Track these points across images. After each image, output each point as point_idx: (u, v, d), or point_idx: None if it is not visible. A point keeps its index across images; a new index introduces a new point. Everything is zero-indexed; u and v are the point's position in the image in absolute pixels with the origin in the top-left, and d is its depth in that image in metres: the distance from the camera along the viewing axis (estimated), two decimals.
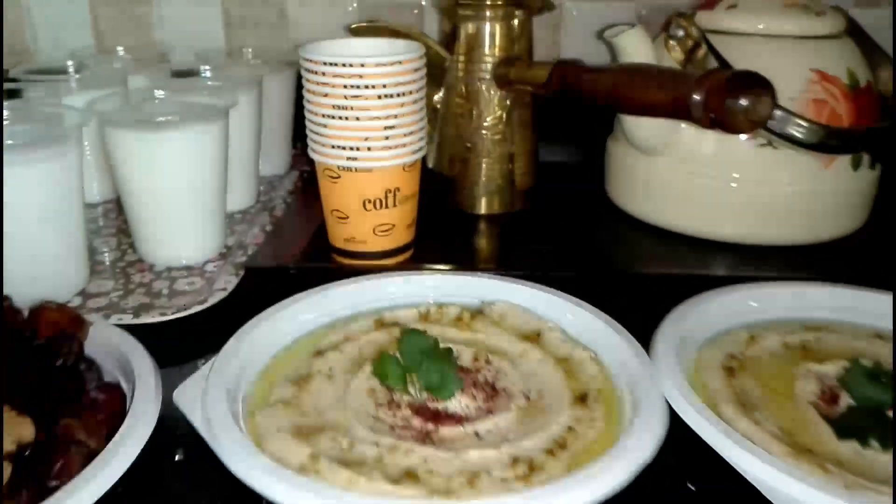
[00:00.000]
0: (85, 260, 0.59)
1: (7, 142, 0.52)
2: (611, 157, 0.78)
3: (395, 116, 0.59)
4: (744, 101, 0.49)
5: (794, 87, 0.64)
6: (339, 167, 0.60)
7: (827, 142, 0.62)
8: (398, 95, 0.59)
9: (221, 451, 0.39)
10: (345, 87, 0.57)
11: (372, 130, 0.59)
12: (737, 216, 0.68)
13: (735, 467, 0.38)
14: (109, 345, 0.48)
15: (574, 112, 0.77)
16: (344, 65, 0.57)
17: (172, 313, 0.54)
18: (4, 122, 0.57)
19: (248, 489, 0.36)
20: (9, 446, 0.38)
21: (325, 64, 0.57)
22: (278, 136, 0.83)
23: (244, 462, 0.37)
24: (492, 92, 0.72)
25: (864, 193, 0.69)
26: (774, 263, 0.67)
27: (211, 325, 0.54)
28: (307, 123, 0.62)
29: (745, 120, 0.47)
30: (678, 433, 0.41)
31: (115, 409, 0.42)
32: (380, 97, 0.58)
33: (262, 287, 0.58)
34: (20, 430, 0.39)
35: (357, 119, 0.58)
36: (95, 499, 0.35)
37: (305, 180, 0.83)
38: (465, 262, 0.68)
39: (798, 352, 0.51)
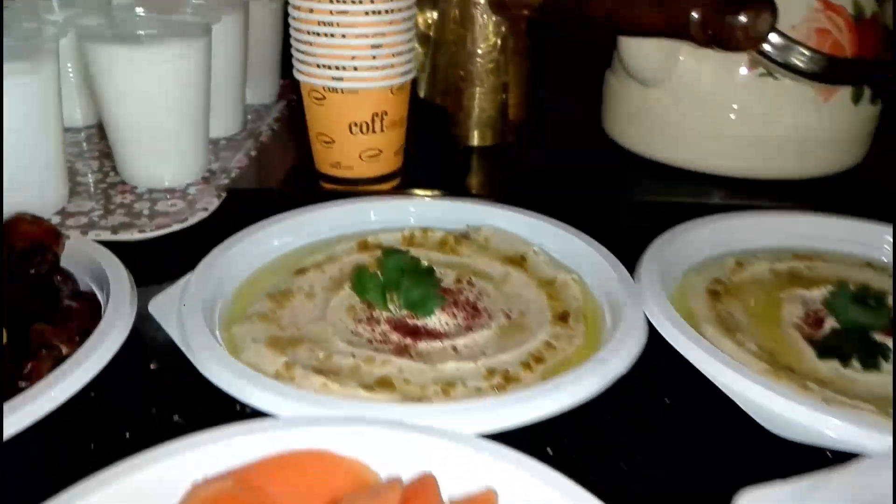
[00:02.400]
0: (64, 178, 0.58)
1: None
2: (609, 91, 0.76)
3: (384, 35, 0.57)
4: (743, 18, 0.47)
5: (797, 15, 0.62)
6: (324, 88, 0.59)
7: (828, 72, 0.60)
8: (387, 13, 0.56)
9: (195, 358, 0.38)
10: (331, 1, 0.55)
11: (358, 49, 0.57)
12: (734, 149, 0.66)
13: (714, 382, 0.38)
14: (86, 258, 0.47)
15: (577, 47, 0.76)
16: None
17: (151, 231, 0.53)
18: None
19: (221, 394, 0.36)
20: None
21: None
22: (266, 64, 0.81)
23: (217, 368, 0.37)
24: (486, 18, 0.70)
25: (863, 129, 0.67)
26: (770, 196, 0.65)
27: (190, 244, 0.53)
28: (292, 42, 0.60)
29: (743, 37, 0.45)
30: (659, 352, 0.41)
31: (88, 317, 0.41)
32: (367, 13, 0.56)
33: (244, 208, 0.57)
34: None
35: (343, 37, 0.57)
36: (65, 398, 0.35)
37: (293, 109, 0.81)
38: (452, 190, 0.67)
39: (786, 278, 0.50)
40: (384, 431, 0.31)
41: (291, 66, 0.60)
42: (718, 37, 0.46)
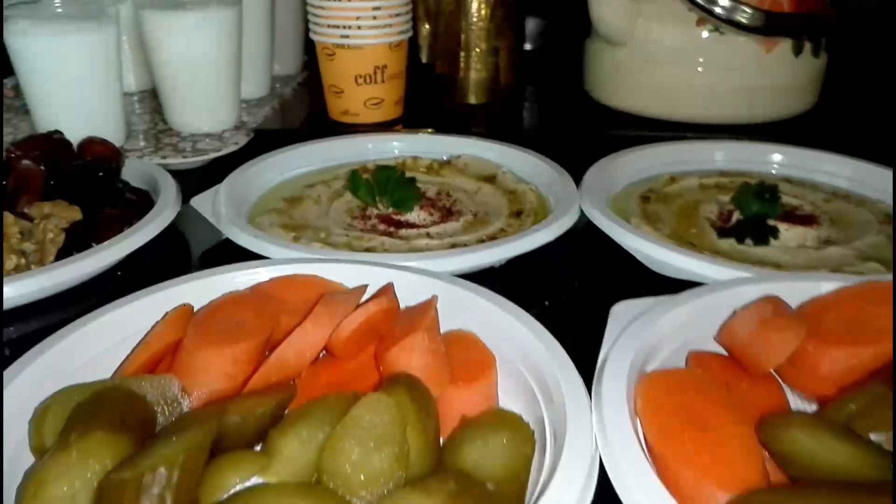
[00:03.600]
0: (122, 121, 0.70)
1: (58, 9, 0.63)
2: (587, 55, 0.86)
3: None
4: None
5: None
6: (333, 45, 0.70)
7: (765, 26, 0.70)
8: None
9: (225, 228, 0.50)
10: None
11: (362, 11, 0.69)
12: (690, 98, 0.76)
13: (621, 245, 0.48)
14: (141, 173, 0.59)
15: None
16: None
17: (192, 157, 0.65)
18: (56, 3, 0.68)
19: (244, 253, 0.47)
20: (63, 224, 0.50)
21: None
22: (291, 38, 0.93)
23: (242, 234, 0.48)
24: None
25: (806, 78, 0.76)
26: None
27: (224, 168, 0.64)
28: (308, 7, 0.72)
29: None
30: (588, 234, 0.51)
31: (144, 206, 0.53)
32: None
33: (268, 144, 0.68)
34: (71, 213, 0.51)
35: (349, 0, 0.68)
36: (126, 253, 0.47)
37: (314, 76, 0.93)
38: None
39: (711, 189, 0.60)
40: (358, 265, 0.42)
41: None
42: None
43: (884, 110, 0.82)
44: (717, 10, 0.71)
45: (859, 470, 0.29)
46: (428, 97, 0.85)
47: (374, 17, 0.69)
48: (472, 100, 0.86)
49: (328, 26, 0.70)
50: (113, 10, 0.66)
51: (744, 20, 0.70)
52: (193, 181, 0.63)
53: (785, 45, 0.73)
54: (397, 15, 0.70)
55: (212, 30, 0.70)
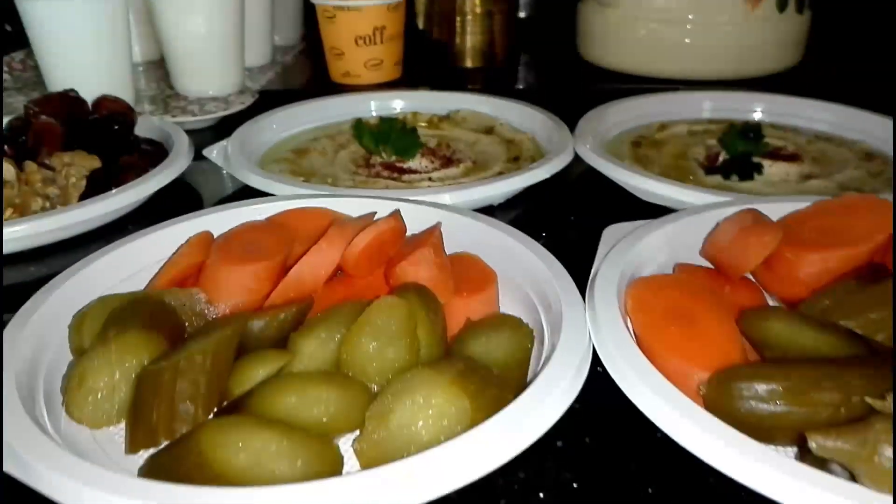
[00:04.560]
0: (130, 85, 0.73)
1: None
2: (579, 18, 0.89)
3: None
4: None
5: None
6: (333, 6, 0.73)
7: None
8: None
9: (238, 172, 0.52)
10: None
11: None
12: (679, 55, 0.78)
13: (609, 178, 0.51)
14: (154, 129, 0.61)
15: None
16: None
17: (202, 115, 0.68)
18: None
19: (255, 191, 0.50)
20: (84, 171, 0.52)
21: None
22: (289, 9, 0.96)
23: (254, 176, 0.51)
24: None
25: (791, 35, 0.79)
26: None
27: (232, 125, 0.67)
28: None
29: None
30: (583, 174, 0.54)
31: (159, 156, 0.56)
32: None
33: (273, 103, 0.71)
34: (91, 162, 0.53)
35: None
36: (147, 194, 0.50)
37: (313, 45, 0.95)
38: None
39: (700, 135, 0.62)
40: (365, 199, 0.45)
41: (313, 17, 0.74)
42: None
43: (875, 59, 0.85)
44: None
45: (830, 350, 0.32)
46: (425, 61, 0.87)
47: None
48: (468, 63, 0.88)
49: None
50: None
51: None
52: (203, 139, 0.66)
53: (770, 2, 0.76)
54: None
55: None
